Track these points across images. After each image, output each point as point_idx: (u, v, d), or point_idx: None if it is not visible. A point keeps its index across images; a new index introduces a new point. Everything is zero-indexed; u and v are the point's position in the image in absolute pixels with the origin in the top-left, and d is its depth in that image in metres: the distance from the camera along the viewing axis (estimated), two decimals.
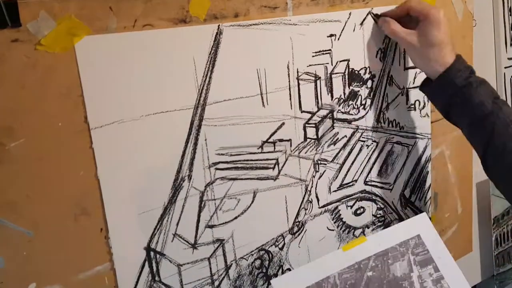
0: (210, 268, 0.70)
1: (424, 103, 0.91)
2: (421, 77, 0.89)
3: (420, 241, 0.72)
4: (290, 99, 0.74)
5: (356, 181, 0.85)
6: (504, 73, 1.08)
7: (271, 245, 0.76)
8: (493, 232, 1.08)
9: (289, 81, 0.73)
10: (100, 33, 0.56)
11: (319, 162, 0.79)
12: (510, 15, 1.07)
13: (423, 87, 0.80)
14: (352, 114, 0.82)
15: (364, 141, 0.84)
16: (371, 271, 0.68)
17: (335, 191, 0.82)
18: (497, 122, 0.70)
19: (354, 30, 0.79)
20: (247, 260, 0.74)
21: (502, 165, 0.70)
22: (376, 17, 0.80)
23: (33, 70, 0.53)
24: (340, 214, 0.84)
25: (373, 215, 0.88)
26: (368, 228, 0.88)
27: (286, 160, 0.75)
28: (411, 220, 0.75)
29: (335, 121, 0.80)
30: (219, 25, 0.64)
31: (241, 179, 0.71)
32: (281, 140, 0.74)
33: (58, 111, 0.55)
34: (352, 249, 0.69)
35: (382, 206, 0.89)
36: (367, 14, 0.80)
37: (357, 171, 0.84)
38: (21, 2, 0.50)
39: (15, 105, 0.52)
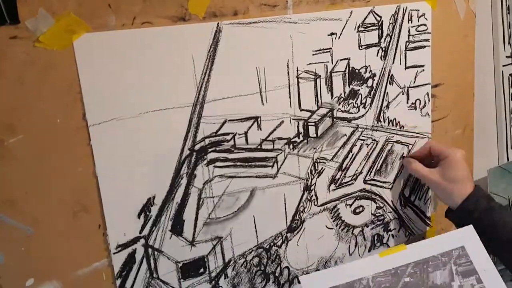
0: (208, 266, 0.71)
1: (425, 102, 0.91)
2: (422, 76, 0.89)
3: (464, 252, 0.72)
4: (290, 97, 0.74)
5: (355, 179, 0.84)
6: (502, 71, 1.08)
7: (270, 243, 0.76)
8: None
9: (288, 79, 0.73)
10: (99, 31, 0.56)
11: (318, 160, 0.79)
12: (509, 13, 1.06)
13: (447, 214, 0.85)
14: (352, 113, 0.82)
15: (364, 140, 0.84)
16: (409, 277, 0.68)
17: (334, 189, 0.82)
18: None
19: (355, 28, 0.79)
20: (245, 258, 0.74)
21: None
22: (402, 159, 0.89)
23: (32, 67, 0.53)
24: (339, 213, 0.84)
25: (372, 214, 0.88)
26: (367, 227, 0.88)
27: (285, 158, 0.75)
28: (456, 231, 0.76)
29: (335, 119, 0.80)
30: (218, 23, 0.64)
31: (240, 177, 0.71)
32: (280, 138, 0.74)
33: (57, 108, 0.55)
34: (389, 255, 0.69)
35: (382, 205, 0.89)
36: (369, 13, 0.80)
37: (356, 170, 0.84)
38: None
39: (13, 102, 0.52)
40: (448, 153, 0.83)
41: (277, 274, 0.78)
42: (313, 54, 0.75)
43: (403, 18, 0.84)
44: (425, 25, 0.87)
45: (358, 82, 0.81)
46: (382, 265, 0.68)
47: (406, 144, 0.90)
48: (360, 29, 0.79)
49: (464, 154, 0.83)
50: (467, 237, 0.74)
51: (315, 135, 0.78)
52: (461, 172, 0.81)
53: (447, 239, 0.74)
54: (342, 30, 0.77)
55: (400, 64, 0.86)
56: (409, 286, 0.67)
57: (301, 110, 0.75)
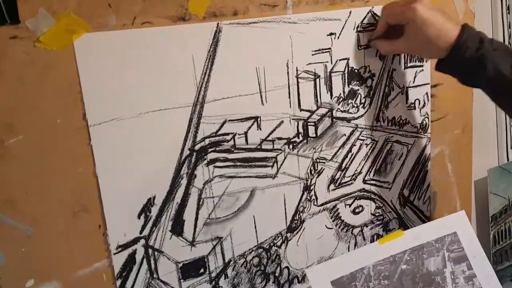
0: (208, 266, 0.70)
1: (424, 102, 0.91)
2: (421, 76, 0.89)
3: (456, 238, 0.73)
4: (289, 97, 0.74)
5: (355, 179, 0.84)
6: None
7: (270, 243, 0.76)
8: (491, 230, 1.08)
9: (288, 79, 0.73)
10: (99, 31, 0.56)
11: (318, 160, 0.79)
12: (509, 13, 1.06)
13: (437, 67, 0.76)
14: (351, 113, 0.82)
15: (363, 140, 0.84)
16: (405, 265, 0.70)
17: (333, 189, 0.82)
18: None
19: (354, 28, 0.79)
20: (245, 258, 0.74)
21: None
22: (366, 44, 0.80)
23: (32, 67, 0.53)
24: (339, 213, 0.84)
25: (371, 214, 0.88)
26: (367, 227, 0.88)
27: (285, 158, 0.75)
28: (449, 217, 0.77)
29: (334, 119, 0.80)
30: (218, 23, 0.64)
31: (240, 177, 0.71)
32: (280, 138, 0.74)
33: (57, 108, 0.55)
34: (388, 242, 0.71)
35: (381, 205, 0.89)
36: (368, 13, 0.80)
37: (356, 170, 0.84)
38: None
39: (14, 102, 0.52)
40: (404, 16, 0.72)
41: (277, 274, 0.78)
42: (312, 54, 0.75)
43: None
44: None
45: (357, 82, 0.81)
46: (382, 253, 0.70)
47: (405, 144, 0.90)
48: (359, 29, 0.79)
49: (426, 4, 0.71)
50: (459, 223, 0.75)
51: (314, 135, 0.78)
52: (431, 27, 0.70)
53: (440, 225, 0.75)
54: (341, 30, 0.77)
55: (399, 64, 0.86)
56: (406, 273, 0.70)
57: (300, 110, 0.75)
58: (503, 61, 0.68)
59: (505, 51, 0.69)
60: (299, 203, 0.78)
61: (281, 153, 0.74)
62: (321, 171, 0.80)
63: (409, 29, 0.73)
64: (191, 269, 0.69)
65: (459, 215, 0.76)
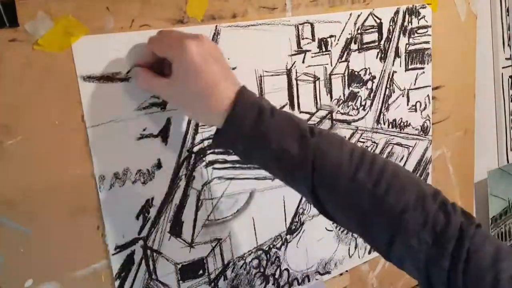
0: (207, 267, 0.71)
1: (425, 104, 0.91)
2: (422, 78, 0.89)
3: None
4: (289, 99, 0.74)
5: None
6: (502, 73, 1.08)
7: (269, 245, 0.76)
8: (491, 232, 1.07)
9: (287, 81, 0.73)
10: (97, 33, 0.56)
11: None
12: (508, 15, 1.06)
13: (213, 140, 0.58)
14: (351, 115, 0.82)
15: (363, 142, 0.84)
16: None
17: None
18: (314, 165, 0.54)
19: (354, 31, 0.79)
20: (244, 260, 0.74)
21: (337, 198, 0.55)
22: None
23: (31, 70, 0.53)
24: None
25: None
26: None
27: None
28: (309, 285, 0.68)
29: (334, 122, 0.80)
30: (216, 26, 0.65)
31: (239, 178, 0.71)
32: None
33: (55, 110, 0.55)
34: None
35: None
36: (368, 15, 0.80)
37: None
38: (19, 2, 0.51)
39: (12, 104, 0.53)
40: (173, 53, 0.54)
41: (276, 276, 0.78)
42: (312, 57, 0.75)
43: (403, 20, 0.84)
44: (425, 27, 0.88)
45: (358, 84, 0.81)
46: None
47: (406, 146, 0.90)
48: (359, 31, 0.79)
49: (205, 46, 0.54)
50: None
51: None
52: (202, 80, 0.53)
53: None
54: (342, 33, 0.77)
55: (400, 66, 0.86)
56: None
57: (300, 112, 0.75)
58: (288, 137, 0.54)
59: (288, 123, 0.55)
60: (298, 205, 0.78)
61: None
62: None
63: (175, 71, 0.54)
64: (190, 270, 0.69)
65: (318, 285, 0.66)
